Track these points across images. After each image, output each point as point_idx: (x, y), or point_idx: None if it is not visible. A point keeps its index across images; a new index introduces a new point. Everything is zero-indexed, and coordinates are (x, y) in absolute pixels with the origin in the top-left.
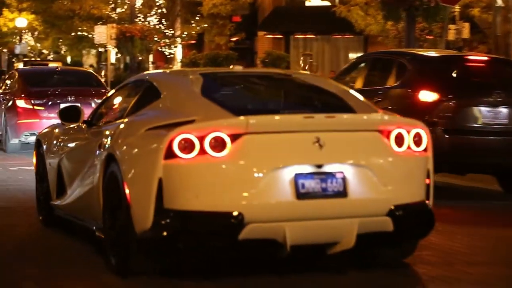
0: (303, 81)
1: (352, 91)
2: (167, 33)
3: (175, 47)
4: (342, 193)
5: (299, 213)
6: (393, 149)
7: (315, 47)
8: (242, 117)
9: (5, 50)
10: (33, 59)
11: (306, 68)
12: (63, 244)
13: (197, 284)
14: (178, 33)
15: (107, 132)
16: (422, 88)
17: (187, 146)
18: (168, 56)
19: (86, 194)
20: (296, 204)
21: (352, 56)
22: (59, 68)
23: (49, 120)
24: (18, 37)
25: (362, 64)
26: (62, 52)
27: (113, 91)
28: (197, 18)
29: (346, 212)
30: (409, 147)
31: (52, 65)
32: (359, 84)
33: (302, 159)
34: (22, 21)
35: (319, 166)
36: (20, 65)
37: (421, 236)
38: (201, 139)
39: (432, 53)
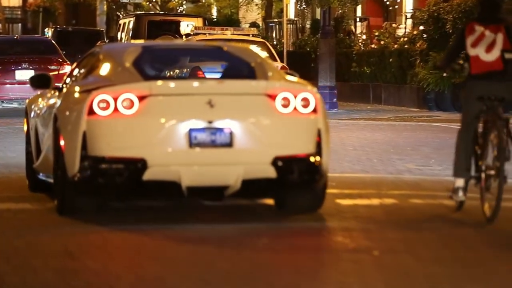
0: (226, 52)
1: (269, 63)
2: None
3: None
4: (229, 144)
5: (191, 159)
6: (278, 110)
7: None
8: (147, 82)
9: None
10: (151, 12)
11: None
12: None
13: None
14: None
15: (58, 95)
16: None
17: (104, 105)
18: (390, 8)
19: (46, 151)
20: (189, 152)
21: None
22: (18, 37)
23: (4, 85)
24: None
25: None
26: (203, 0)
27: (79, 60)
28: None
29: (232, 160)
30: (295, 109)
31: (186, 22)
32: None
33: (196, 116)
34: None
35: (210, 122)
36: (130, 23)
37: (306, 184)
38: (115, 100)
39: None
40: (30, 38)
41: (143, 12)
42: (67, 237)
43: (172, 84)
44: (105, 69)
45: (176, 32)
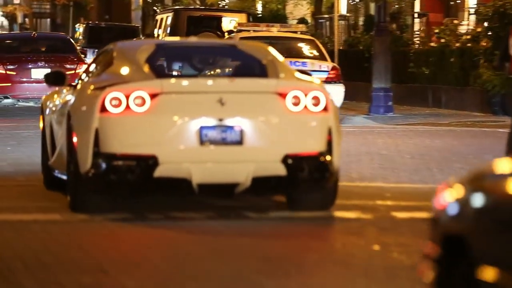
0: (240, 50)
1: (280, 61)
2: None
3: None
4: (239, 142)
5: (202, 156)
6: (288, 109)
7: None
8: (159, 80)
9: None
10: (191, 7)
11: None
12: None
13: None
14: None
15: (72, 93)
16: None
17: (116, 102)
18: (451, 3)
19: (61, 148)
20: (200, 149)
21: None
22: (35, 34)
23: (20, 84)
24: None
25: None
26: None
27: (94, 57)
28: None
29: (242, 158)
30: (306, 107)
31: (228, 18)
32: None
33: (206, 114)
34: None
35: (221, 120)
36: (168, 19)
37: (316, 182)
38: (127, 97)
39: None
40: (47, 35)
41: (182, 6)
42: (100, 252)
43: (183, 82)
44: (118, 66)
45: (218, 29)
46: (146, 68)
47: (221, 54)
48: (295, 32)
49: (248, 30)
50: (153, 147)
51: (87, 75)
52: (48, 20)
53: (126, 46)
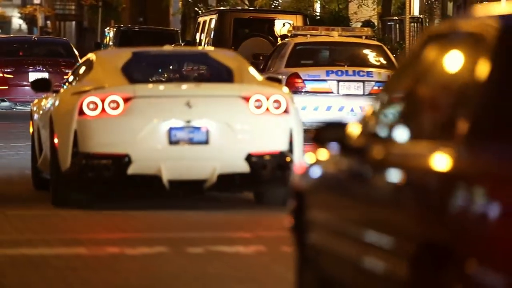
0: (210, 58)
1: (247, 67)
2: None
3: None
4: (205, 142)
5: (171, 155)
6: (251, 111)
7: None
8: (131, 85)
9: None
10: (238, 8)
11: None
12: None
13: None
14: None
15: (55, 98)
16: None
17: (93, 106)
18: None
19: (45, 150)
20: (169, 149)
21: None
22: (35, 39)
23: (17, 87)
24: None
25: None
26: None
27: (78, 64)
28: None
29: (208, 156)
30: (267, 110)
31: (282, 21)
32: None
33: (175, 116)
34: None
35: (188, 122)
36: (212, 21)
37: (278, 180)
38: (103, 101)
39: None
40: (48, 40)
41: (228, 8)
42: None
43: (154, 87)
44: (96, 73)
45: (270, 33)
46: (120, 75)
47: (193, 61)
48: (360, 36)
49: (305, 35)
50: (127, 147)
51: (72, 81)
52: (73, 23)
53: (105, 54)
